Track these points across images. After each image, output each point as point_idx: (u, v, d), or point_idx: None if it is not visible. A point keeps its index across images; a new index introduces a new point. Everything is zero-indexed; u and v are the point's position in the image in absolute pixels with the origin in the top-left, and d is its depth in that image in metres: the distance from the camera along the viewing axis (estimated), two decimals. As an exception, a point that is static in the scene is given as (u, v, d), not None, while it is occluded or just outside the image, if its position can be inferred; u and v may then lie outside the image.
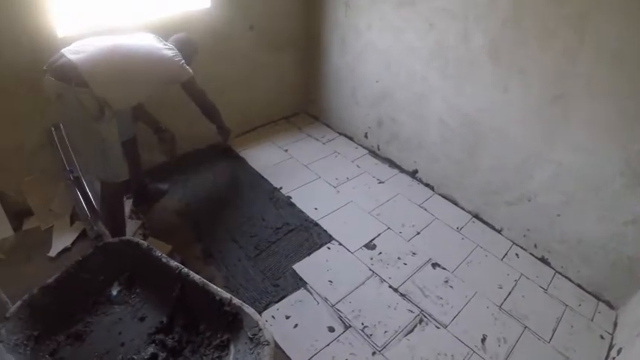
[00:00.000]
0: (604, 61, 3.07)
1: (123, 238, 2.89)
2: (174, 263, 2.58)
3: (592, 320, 3.54)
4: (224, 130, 4.38)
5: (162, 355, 2.42)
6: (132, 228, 3.92)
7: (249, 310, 2.33)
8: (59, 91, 2.94)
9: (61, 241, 3.77)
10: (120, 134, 3.31)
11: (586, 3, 3.02)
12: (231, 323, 2.37)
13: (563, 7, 3.14)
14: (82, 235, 3.83)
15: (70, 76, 2.87)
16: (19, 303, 2.37)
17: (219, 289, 2.45)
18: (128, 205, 4.14)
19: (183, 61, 3.45)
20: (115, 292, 2.74)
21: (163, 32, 3.62)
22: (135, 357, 2.42)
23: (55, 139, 2.98)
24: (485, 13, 3.62)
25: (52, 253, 3.67)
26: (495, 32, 3.61)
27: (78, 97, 2.91)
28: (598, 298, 3.73)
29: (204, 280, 2.49)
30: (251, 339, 2.25)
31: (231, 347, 2.37)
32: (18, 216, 3.95)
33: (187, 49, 3.70)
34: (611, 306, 3.68)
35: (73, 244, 3.77)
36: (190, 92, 3.68)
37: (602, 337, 3.42)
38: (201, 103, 3.84)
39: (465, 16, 3.77)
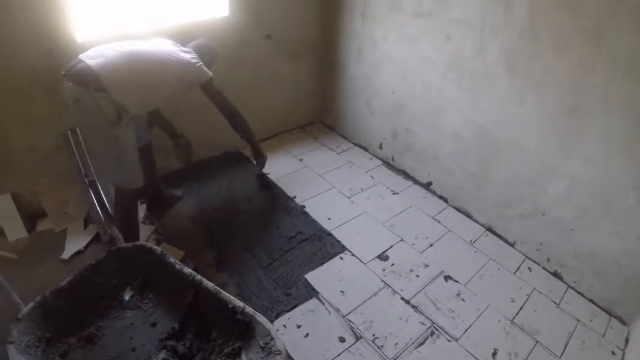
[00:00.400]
0: (619, 74, 3.06)
1: (137, 243, 2.90)
2: (187, 270, 2.60)
3: (604, 336, 3.51)
4: (258, 153, 4.44)
5: (173, 361, 2.43)
6: (145, 233, 3.92)
7: (261, 318, 2.34)
8: (77, 95, 2.94)
9: (75, 244, 3.78)
10: (136, 140, 3.31)
11: (602, 15, 3.01)
12: (243, 332, 2.38)
13: (580, 19, 3.13)
14: (96, 238, 3.84)
15: (88, 81, 2.86)
16: (31, 304, 2.39)
17: (232, 297, 2.46)
18: (142, 210, 4.15)
19: (201, 63, 3.44)
20: (127, 297, 2.75)
21: (182, 39, 3.63)
22: (146, 362, 2.44)
23: (72, 142, 3.01)
24: (502, 25, 3.62)
25: (65, 255, 3.68)
26: (511, 44, 3.61)
27: (96, 102, 2.90)
28: (610, 314, 3.70)
29: (218, 288, 2.50)
30: (263, 348, 2.26)
31: (243, 355, 2.37)
32: (32, 217, 3.97)
33: (206, 54, 3.66)
34: (623, 322, 3.64)
35: (86, 247, 3.78)
36: (210, 95, 3.67)
37: (613, 353, 3.39)
38: (222, 106, 3.80)
39: (481, 28, 3.77)
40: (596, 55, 3.12)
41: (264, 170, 4.80)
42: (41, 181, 3.91)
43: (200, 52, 3.59)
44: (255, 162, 4.58)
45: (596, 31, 3.08)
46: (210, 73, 3.49)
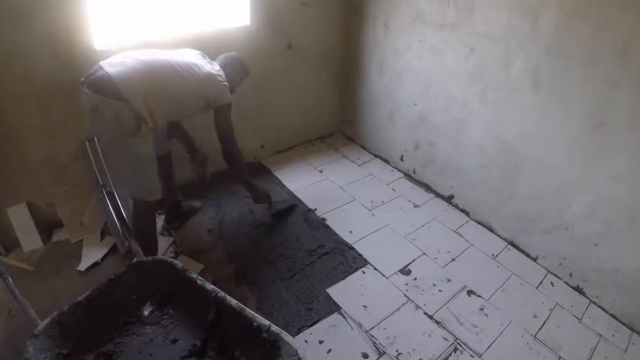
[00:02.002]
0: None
1: (157, 257, 2.87)
2: (210, 286, 2.54)
3: (625, 352, 3.46)
4: (256, 196, 4.21)
5: (194, 379, 2.38)
6: (163, 245, 3.91)
7: (287, 337, 2.27)
8: (95, 104, 2.89)
9: (91, 256, 3.76)
10: (155, 150, 3.26)
11: (628, 30, 2.98)
12: (268, 351, 2.31)
13: (607, 34, 3.10)
14: (113, 250, 3.82)
15: (107, 90, 2.82)
16: (48, 320, 2.34)
17: (256, 314, 2.39)
18: (160, 221, 4.14)
19: (226, 83, 3.39)
20: (146, 313, 2.70)
21: (203, 48, 3.60)
22: (166, 381, 2.38)
23: (89, 151, 2.97)
24: (528, 39, 3.59)
25: (82, 267, 3.65)
26: (537, 58, 3.57)
27: (114, 111, 2.86)
28: (632, 329, 3.65)
29: (242, 305, 2.44)
30: (289, 368, 2.20)
31: None
32: (47, 227, 3.96)
33: (235, 69, 3.66)
34: (645, 337, 3.61)
35: (102, 258, 3.76)
36: (219, 120, 3.53)
37: (635, 368, 3.35)
38: (224, 141, 3.63)
39: (506, 41, 3.75)
40: (623, 70, 3.09)
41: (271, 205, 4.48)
42: (57, 191, 3.89)
43: (227, 65, 3.59)
44: (255, 202, 4.34)
45: (622, 46, 3.05)
46: (229, 98, 3.46)
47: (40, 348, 2.23)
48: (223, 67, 3.53)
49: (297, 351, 2.20)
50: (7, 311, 3.20)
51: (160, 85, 3.04)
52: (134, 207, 3.38)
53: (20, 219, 3.77)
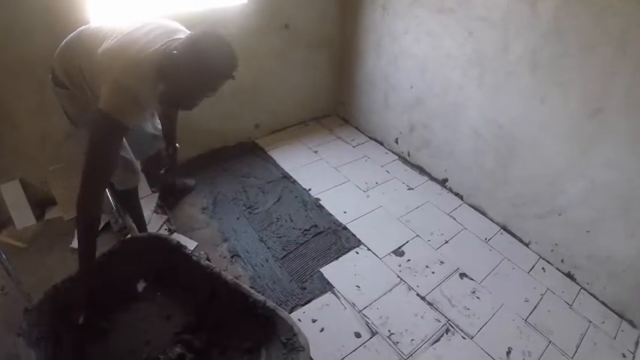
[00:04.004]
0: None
1: (152, 233, 2.90)
2: (205, 262, 2.56)
3: (614, 338, 3.50)
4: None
5: (189, 355, 2.40)
6: (157, 223, 3.90)
7: (283, 313, 2.29)
8: (54, 92, 2.74)
9: (84, 233, 3.73)
10: (138, 152, 3.18)
11: (628, 17, 2.96)
12: (263, 326, 2.34)
13: (606, 19, 3.08)
14: (106, 227, 3.81)
15: (53, 75, 2.66)
16: (41, 296, 2.34)
17: (252, 290, 2.41)
18: (154, 199, 4.13)
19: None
20: (141, 289, 2.72)
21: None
22: (161, 357, 2.40)
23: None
24: (526, 24, 3.57)
25: (75, 244, 3.61)
26: (536, 43, 3.56)
27: (59, 99, 2.72)
28: (621, 317, 3.69)
29: (237, 281, 2.46)
30: (284, 344, 2.21)
31: (263, 351, 2.34)
32: (40, 205, 3.95)
33: (181, 65, 2.33)
34: (633, 325, 3.63)
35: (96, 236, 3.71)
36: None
37: (623, 355, 3.37)
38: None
39: (505, 26, 3.72)
40: (622, 56, 3.07)
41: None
42: (51, 168, 3.87)
43: (175, 56, 2.32)
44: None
45: (622, 33, 3.03)
46: (109, 102, 2.26)
47: (34, 324, 2.24)
48: (171, 53, 2.34)
49: (292, 327, 2.22)
50: (1, 288, 3.16)
51: (79, 53, 2.56)
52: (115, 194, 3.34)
53: (13, 196, 3.78)
